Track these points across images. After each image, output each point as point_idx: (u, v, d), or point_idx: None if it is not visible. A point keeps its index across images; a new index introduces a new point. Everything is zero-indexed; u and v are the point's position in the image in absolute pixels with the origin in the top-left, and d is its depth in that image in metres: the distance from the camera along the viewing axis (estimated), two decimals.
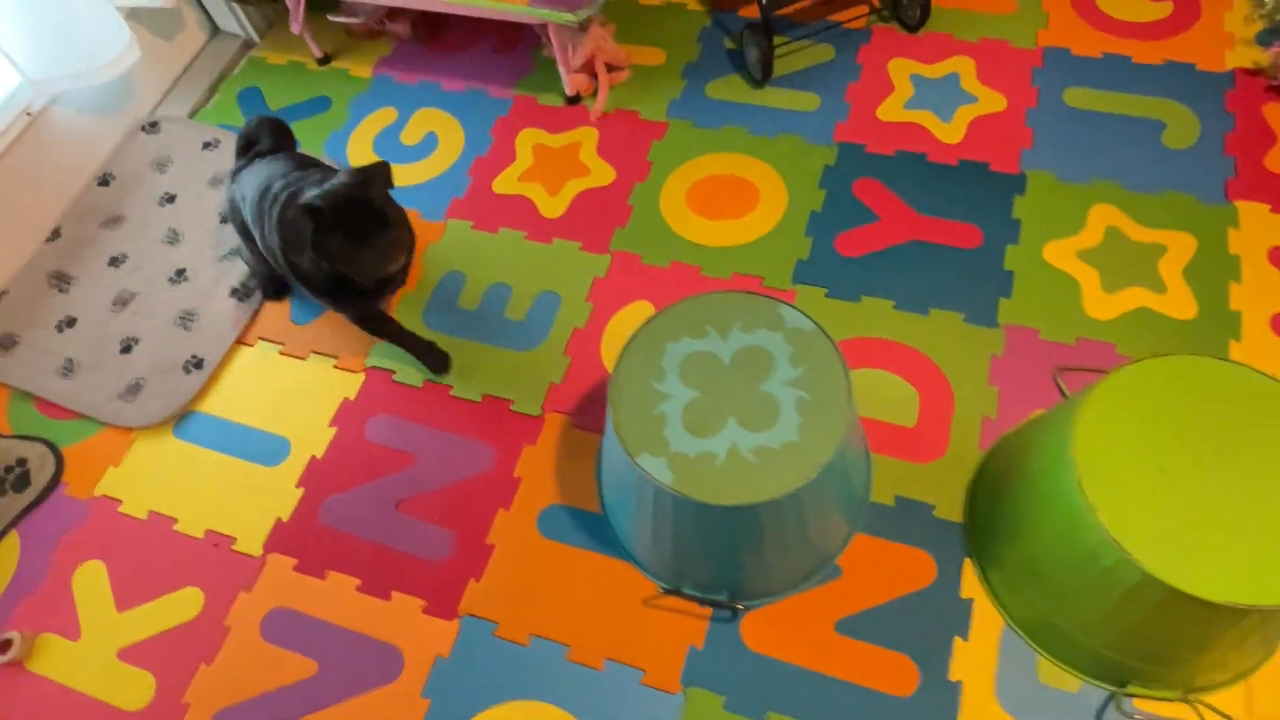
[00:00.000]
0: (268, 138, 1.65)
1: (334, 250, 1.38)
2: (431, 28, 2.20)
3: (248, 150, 1.66)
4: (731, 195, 1.82)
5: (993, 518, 1.35)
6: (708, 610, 1.38)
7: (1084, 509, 1.11)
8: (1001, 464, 1.38)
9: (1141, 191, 1.71)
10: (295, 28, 2.06)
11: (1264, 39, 1.84)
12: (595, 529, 1.48)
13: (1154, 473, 1.11)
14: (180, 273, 1.87)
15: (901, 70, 1.96)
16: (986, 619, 1.33)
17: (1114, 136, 1.79)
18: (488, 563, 1.46)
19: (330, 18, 2.11)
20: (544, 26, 1.84)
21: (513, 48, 2.14)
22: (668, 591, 1.39)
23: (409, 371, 1.68)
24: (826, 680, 1.31)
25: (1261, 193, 1.68)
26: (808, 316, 1.29)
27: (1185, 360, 1.19)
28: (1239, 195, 1.68)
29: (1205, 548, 1.06)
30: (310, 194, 1.37)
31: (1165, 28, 1.94)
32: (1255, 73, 1.84)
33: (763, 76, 1.95)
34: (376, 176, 1.40)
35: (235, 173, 1.65)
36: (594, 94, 2.01)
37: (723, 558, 1.29)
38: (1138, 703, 1.25)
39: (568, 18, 1.73)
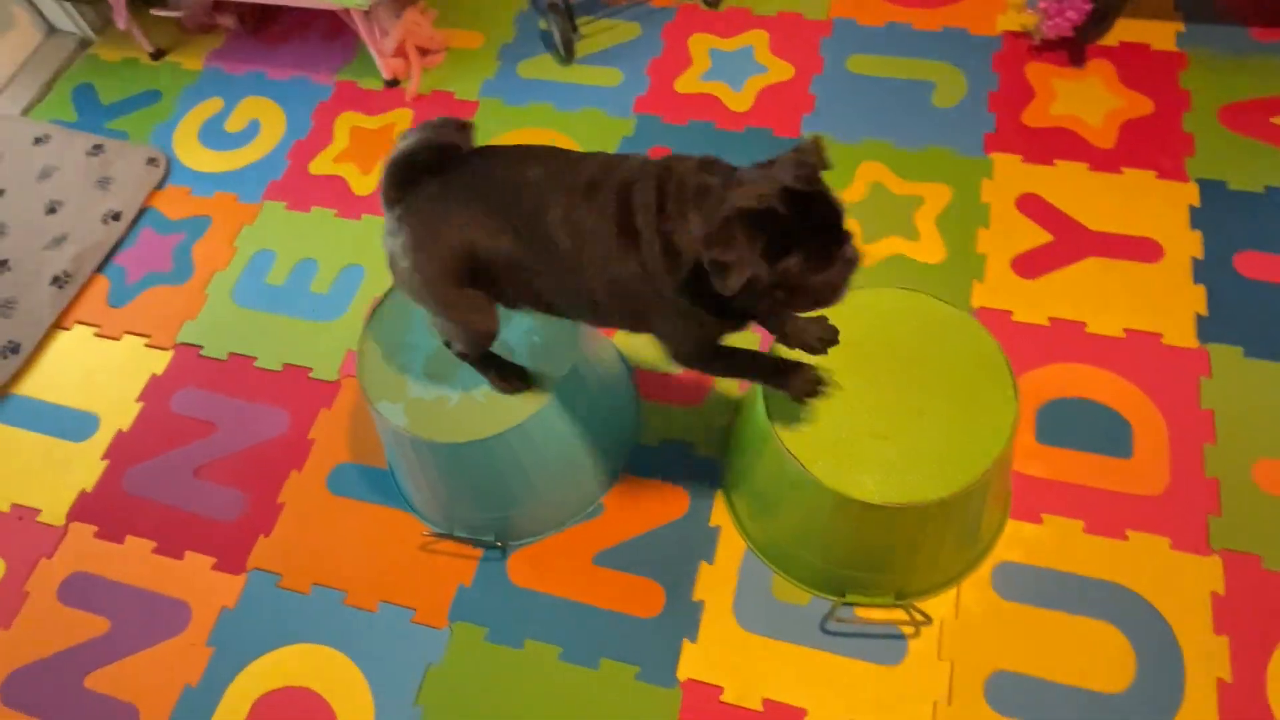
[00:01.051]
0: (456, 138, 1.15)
1: (790, 274, 0.93)
2: (260, 19, 2.26)
3: (413, 173, 1.11)
4: None
5: (735, 450, 1.45)
6: (479, 551, 1.47)
7: (769, 428, 1.21)
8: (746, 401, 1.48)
9: (907, 148, 1.82)
10: (120, 23, 2.12)
11: (1031, 2, 1.97)
12: (381, 483, 1.55)
13: (834, 393, 1.22)
14: (3, 263, 1.91)
15: (701, 45, 2.06)
16: (731, 544, 1.43)
17: (887, 99, 1.90)
18: (277, 520, 1.54)
19: (154, 12, 2.16)
20: (348, 13, 1.91)
21: (338, 36, 2.21)
22: (438, 535, 1.47)
23: (216, 346, 1.75)
24: (581, 608, 1.40)
25: (1016, 145, 1.80)
26: None
27: (874, 291, 1.29)
28: (995, 148, 1.80)
29: (872, 457, 1.17)
30: (735, 186, 0.94)
31: None
32: (1021, 35, 1.96)
33: (566, 55, 2.04)
34: (819, 158, 0.95)
35: (401, 206, 1.11)
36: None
37: (477, 497, 1.38)
38: (859, 611, 1.35)
39: (358, 2, 1.81)
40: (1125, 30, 1.93)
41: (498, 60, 2.10)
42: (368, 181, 1.93)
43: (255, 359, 1.72)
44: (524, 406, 1.25)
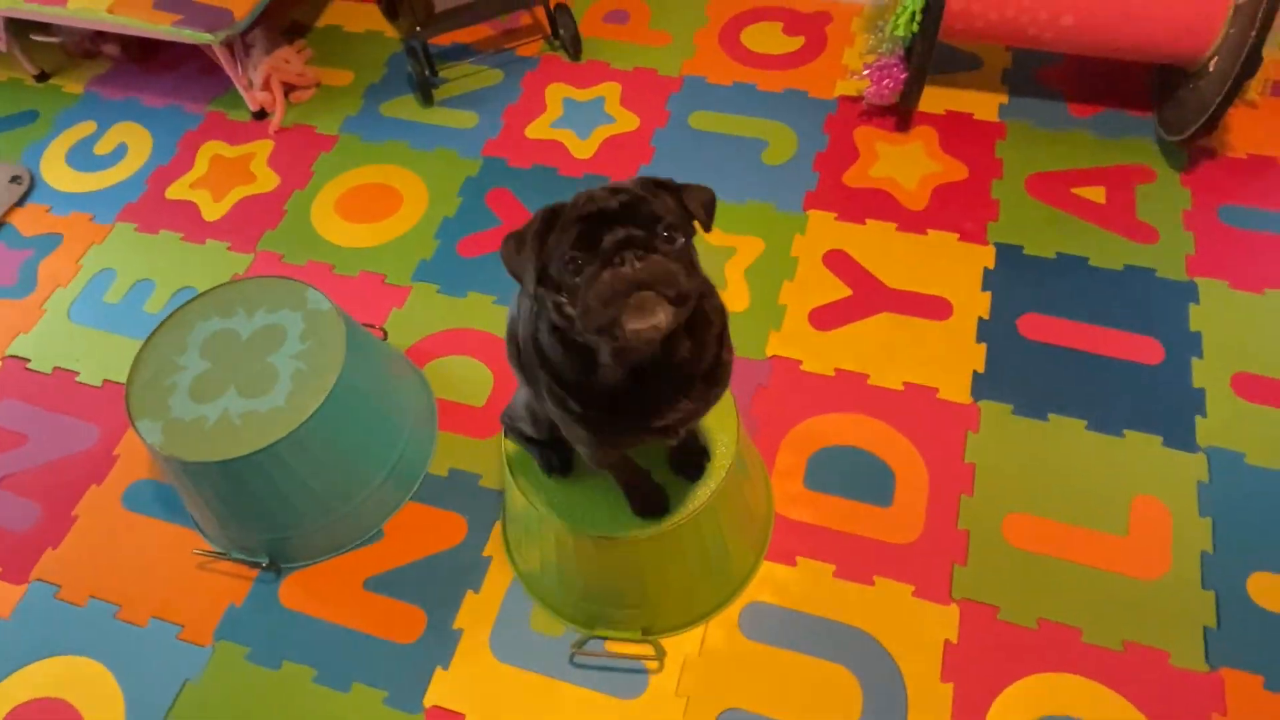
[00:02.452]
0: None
1: (553, 273, 0.85)
2: (144, 49, 2.34)
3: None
4: (377, 202, 1.98)
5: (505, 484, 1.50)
6: (255, 571, 1.50)
7: (508, 463, 1.26)
8: None
9: (732, 202, 1.90)
10: (0, 45, 2.19)
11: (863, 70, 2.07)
12: (176, 501, 1.59)
13: None
14: None
15: (557, 94, 2.15)
16: (499, 575, 1.46)
17: (721, 154, 1.99)
18: (68, 533, 1.56)
19: (34, 37, 2.24)
20: (210, 47, 1.99)
21: (216, 68, 2.29)
22: (214, 555, 1.50)
23: (43, 359, 1.79)
24: (344, 632, 1.43)
25: (832, 203, 1.88)
26: (328, 299, 1.44)
27: None
28: (813, 205, 1.88)
29: (604, 493, 1.21)
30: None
31: (793, 60, 2.16)
32: (856, 99, 2.05)
33: (424, 98, 2.12)
34: (673, 190, 0.89)
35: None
36: None
37: (245, 519, 1.41)
38: (610, 645, 1.38)
39: (208, 38, 1.89)
40: (953, 100, 2.03)
41: (362, 98, 2.18)
42: (218, 208, 2.00)
43: (78, 374, 1.76)
44: (272, 431, 1.29)
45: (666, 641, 1.37)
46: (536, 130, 2.08)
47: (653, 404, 0.95)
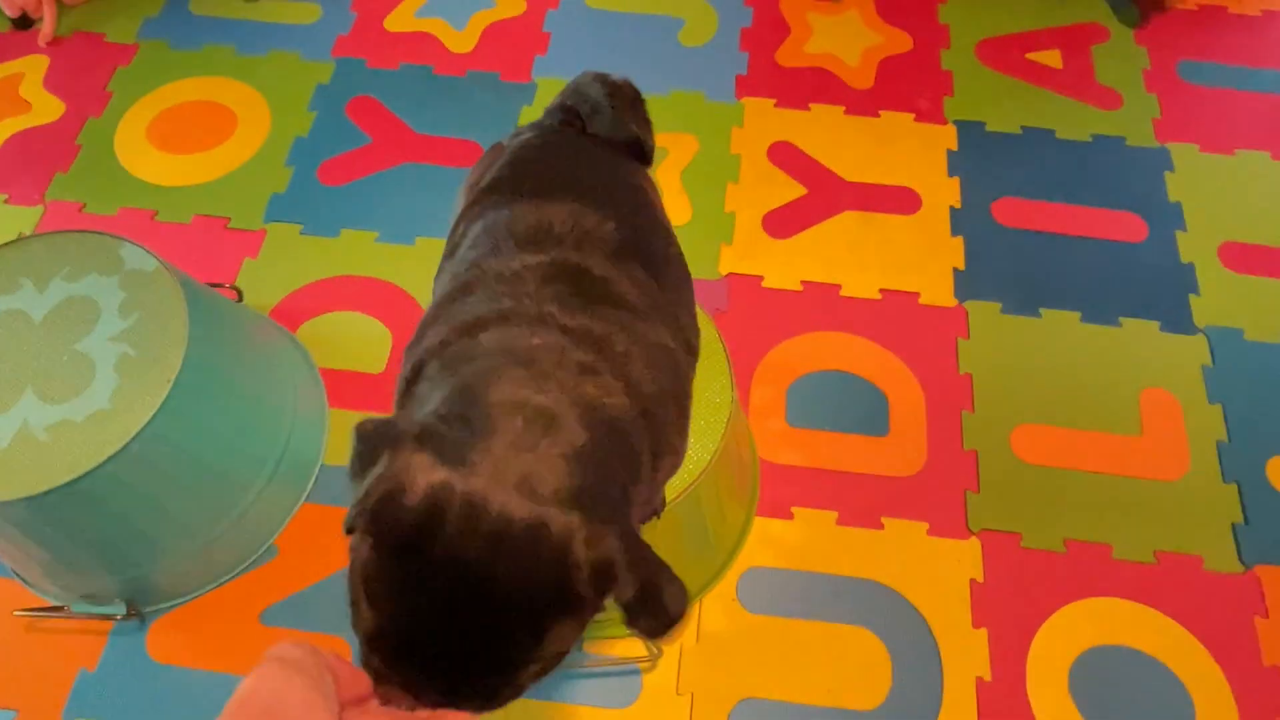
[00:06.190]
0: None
1: None
2: None
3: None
4: (204, 125, 1.55)
5: None
6: (111, 623, 1.15)
7: None
8: None
9: (652, 93, 1.57)
10: None
11: None
12: None
13: None
14: None
15: None
16: None
17: (631, 37, 1.67)
18: None
19: None
20: None
21: None
22: (45, 612, 1.13)
23: None
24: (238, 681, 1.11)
25: (769, 88, 1.61)
26: (153, 255, 1.06)
27: None
28: (747, 92, 1.60)
29: None
30: None
31: None
32: None
33: None
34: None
35: None
36: None
37: (82, 560, 1.05)
38: (586, 646, 1.14)
39: None
40: None
41: None
42: None
43: None
44: (99, 446, 0.93)
45: None
46: (398, 21, 1.68)
47: None
